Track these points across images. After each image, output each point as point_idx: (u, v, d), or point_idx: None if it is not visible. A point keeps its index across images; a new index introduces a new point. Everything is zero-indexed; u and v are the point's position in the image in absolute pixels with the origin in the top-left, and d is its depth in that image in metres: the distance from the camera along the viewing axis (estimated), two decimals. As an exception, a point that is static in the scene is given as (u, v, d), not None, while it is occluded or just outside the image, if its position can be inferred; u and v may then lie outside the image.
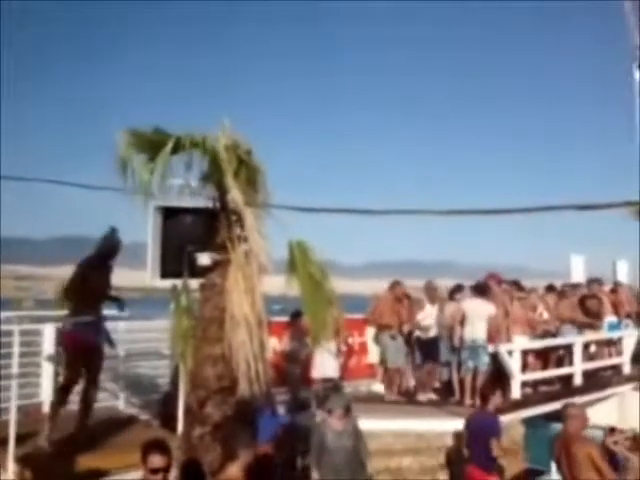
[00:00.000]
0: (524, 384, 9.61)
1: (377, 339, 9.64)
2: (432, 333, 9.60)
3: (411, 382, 9.85)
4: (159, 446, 3.92)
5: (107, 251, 6.33)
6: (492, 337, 9.15)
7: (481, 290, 9.32)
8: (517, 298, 10.08)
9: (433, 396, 9.56)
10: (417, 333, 9.67)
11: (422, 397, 9.44)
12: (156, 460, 3.80)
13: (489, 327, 9.02)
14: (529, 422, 8.85)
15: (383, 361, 9.48)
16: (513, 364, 9.34)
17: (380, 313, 9.44)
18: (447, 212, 4.84)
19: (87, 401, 6.34)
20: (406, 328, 9.57)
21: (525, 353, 9.71)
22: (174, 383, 6.94)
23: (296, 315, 8.36)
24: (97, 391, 6.53)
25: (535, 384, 10.09)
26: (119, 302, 6.53)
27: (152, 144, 4.59)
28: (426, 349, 9.62)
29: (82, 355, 6.18)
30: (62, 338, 6.37)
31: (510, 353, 9.39)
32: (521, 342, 9.71)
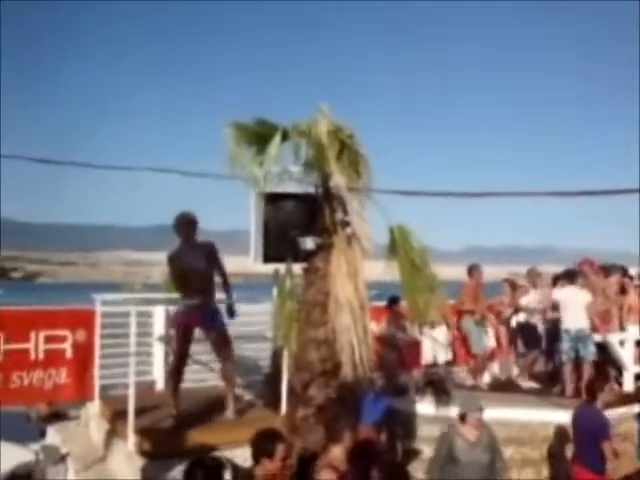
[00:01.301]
0: (637, 377, 9.05)
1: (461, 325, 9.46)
2: (535, 320, 9.32)
3: (514, 369, 9.60)
4: (280, 435, 3.98)
5: (184, 229, 6.31)
6: (596, 326, 8.70)
7: (571, 277, 8.87)
8: (633, 286, 9.49)
9: (534, 384, 9.26)
10: (519, 318, 9.41)
11: (524, 385, 9.16)
12: (283, 449, 3.84)
13: (590, 315, 8.58)
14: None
15: (468, 347, 9.28)
16: (626, 355, 8.82)
17: (462, 299, 9.20)
18: (547, 193, 4.62)
19: (226, 378, 6.58)
20: (508, 312, 9.34)
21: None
22: (275, 365, 7.14)
23: (393, 300, 8.33)
24: (234, 366, 6.66)
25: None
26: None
27: (258, 136, 4.68)
28: (528, 336, 9.37)
29: (188, 330, 6.36)
30: (174, 320, 6.61)
31: (622, 343, 8.87)
32: (635, 332, 9.14)
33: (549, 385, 9.04)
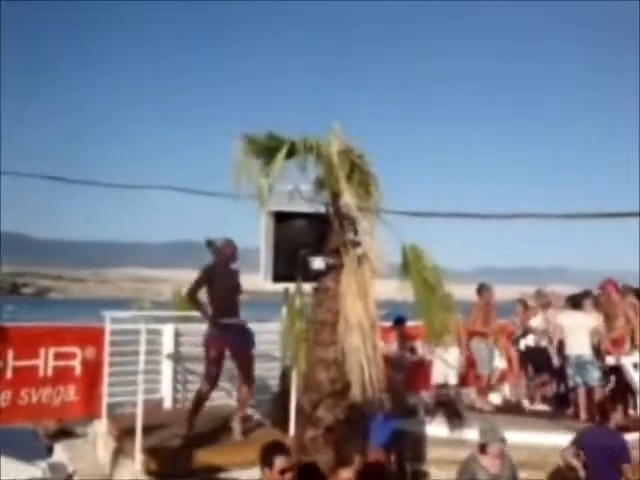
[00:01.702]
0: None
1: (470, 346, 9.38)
2: (543, 343, 9.25)
3: (522, 392, 9.50)
4: (283, 448, 4.03)
5: (228, 255, 6.62)
6: (610, 349, 8.60)
7: (576, 302, 8.81)
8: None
9: (544, 407, 9.15)
10: (527, 342, 9.34)
11: (533, 407, 9.10)
12: (283, 461, 3.90)
13: (601, 338, 8.49)
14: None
15: (475, 368, 9.19)
16: (639, 378, 8.68)
17: (473, 319, 9.12)
18: (559, 215, 4.59)
19: (240, 400, 6.68)
20: (518, 333, 9.27)
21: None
22: (284, 385, 7.10)
23: (400, 321, 8.29)
24: (251, 390, 6.75)
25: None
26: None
27: (267, 149, 4.70)
28: (537, 359, 9.29)
29: (223, 359, 6.47)
30: (206, 341, 6.54)
31: (636, 366, 8.74)
32: (647, 355, 9.01)
33: (560, 409, 8.94)
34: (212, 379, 6.41)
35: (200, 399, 6.44)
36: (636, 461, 6.92)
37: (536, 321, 9.36)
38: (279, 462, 3.88)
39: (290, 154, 4.69)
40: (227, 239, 6.71)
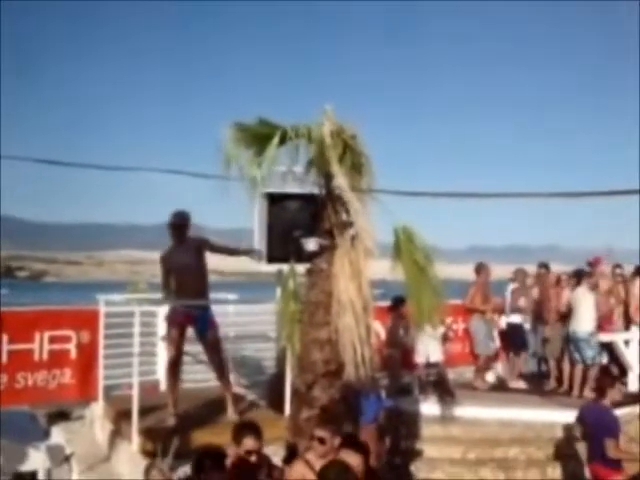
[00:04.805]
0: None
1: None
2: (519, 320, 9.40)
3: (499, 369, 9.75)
4: (253, 429, 4.06)
5: (175, 230, 6.34)
6: (602, 325, 8.67)
7: (579, 278, 8.85)
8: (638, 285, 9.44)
9: (522, 384, 9.30)
10: (510, 319, 9.43)
11: (513, 385, 9.26)
12: (251, 442, 3.95)
13: (599, 315, 8.55)
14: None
15: (473, 347, 9.27)
16: (630, 355, 8.79)
17: (472, 298, 9.15)
18: (551, 194, 4.60)
19: (221, 381, 6.65)
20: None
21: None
22: (280, 366, 7.14)
23: (398, 300, 8.30)
24: (228, 370, 6.74)
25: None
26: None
27: (257, 137, 4.68)
28: (515, 337, 9.43)
29: (183, 328, 6.38)
30: (170, 318, 6.52)
31: (627, 343, 8.84)
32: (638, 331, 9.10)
33: (538, 384, 9.13)
34: (176, 350, 6.35)
35: (170, 371, 6.40)
36: (628, 436, 7.04)
37: (522, 300, 9.39)
38: (247, 442, 3.94)
39: (282, 141, 4.68)
40: (174, 211, 6.36)
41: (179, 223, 6.34)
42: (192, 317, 6.37)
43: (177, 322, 6.37)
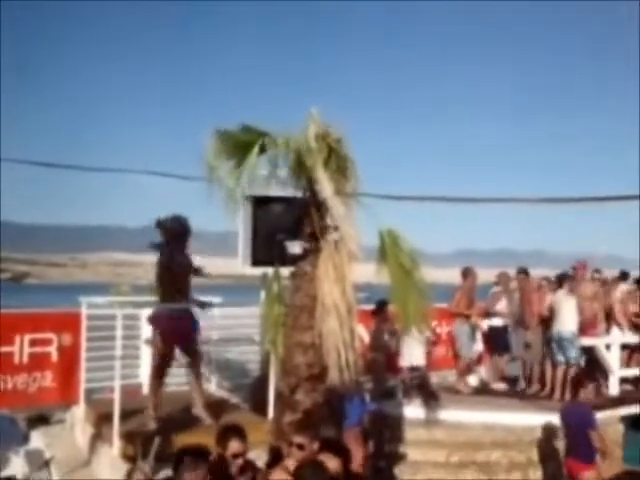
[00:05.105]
0: (625, 380, 9.13)
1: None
2: (502, 323, 9.53)
3: (482, 372, 9.83)
4: (238, 432, 3.99)
5: (174, 235, 6.32)
6: (585, 329, 8.75)
7: (560, 281, 8.97)
8: (622, 290, 9.58)
9: (503, 386, 9.41)
10: (492, 322, 9.54)
11: (495, 387, 9.39)
12: (236, 446, 3.88)
13: (581, 319, 8.64)
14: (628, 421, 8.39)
15: (456, 351, 9.31)
16: (611, 358, 8.88)
17: (457, 302, 9.19)
18: (539, 200, 4.64)
19: (194, 384, 6.62)
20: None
21: (630, 348, 9.24)
22: (264, 369, 7.11)
23: (382, 304, 8.31)
24: (199, 373, 6.70)
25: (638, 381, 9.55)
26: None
27: (238, 146, 4.68)
28: (498, 339, 9.53)
29: (173, 337, 6.34)
30: (154, 320, 6.45)
31: (608, 347, 8.93)
32: (620, 335, 9.21)
33: (519, 388, 9.24)
34: (164, 357, 6.33)
35: (155, 378, 6.34)
36: (607, 437, 7.15)
37: (500, 304, 9.51)
38: (233, 445, 3.87)
39: (262, 150, 4.69)
40: (176, 216, 6.35)
41: (184, 231, 6.38)
42: (185, 328, 6.37)
43: (162, 327, 6.31)
